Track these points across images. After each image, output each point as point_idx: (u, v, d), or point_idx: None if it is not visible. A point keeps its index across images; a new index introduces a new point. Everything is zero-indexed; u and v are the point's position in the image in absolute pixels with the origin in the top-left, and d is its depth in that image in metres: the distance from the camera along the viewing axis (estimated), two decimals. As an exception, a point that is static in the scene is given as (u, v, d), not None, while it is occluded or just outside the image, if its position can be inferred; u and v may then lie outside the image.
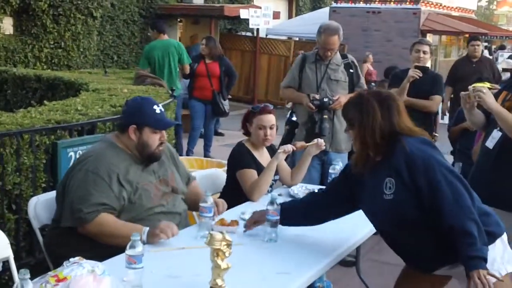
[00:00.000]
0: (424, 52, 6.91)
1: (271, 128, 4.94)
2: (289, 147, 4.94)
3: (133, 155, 3.92)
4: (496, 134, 4.21)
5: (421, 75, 6.55)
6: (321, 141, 5.08)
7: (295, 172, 5.17)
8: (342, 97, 6.05)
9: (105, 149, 3.92)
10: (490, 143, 4.26)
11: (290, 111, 7.94)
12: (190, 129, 10.49)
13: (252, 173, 4.79)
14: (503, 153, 4.20)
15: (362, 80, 6.38)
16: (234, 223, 3.95)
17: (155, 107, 3.95)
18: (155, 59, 10.06)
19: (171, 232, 3.62)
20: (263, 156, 5.03)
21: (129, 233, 3.26)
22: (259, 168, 4.85)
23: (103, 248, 3.60)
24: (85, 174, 3.73)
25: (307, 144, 5.11)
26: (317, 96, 6.05)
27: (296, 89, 6.31)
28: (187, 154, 9.96)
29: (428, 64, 7.31)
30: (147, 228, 3.64)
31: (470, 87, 4.29)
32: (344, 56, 6.35)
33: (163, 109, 4.03)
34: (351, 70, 6.24)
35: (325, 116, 6.02)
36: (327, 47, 6.09)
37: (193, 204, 4.24)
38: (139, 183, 3.86)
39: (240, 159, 4.90)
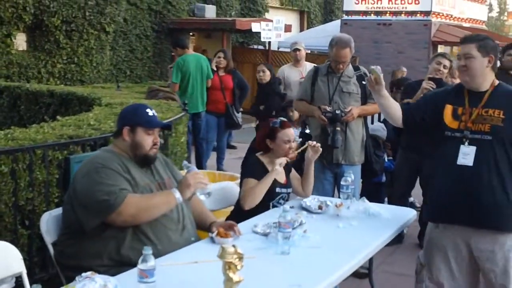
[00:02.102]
0: (445, 67, 6.93)
1: (293, 141, 4.99)
2: (283, 160, 4.93)
3: (130, 157, 3.95)
4: (468, 150, 4.00)
5: (434, 87, 6.53)
6: (312, 142, 5.08)
7: (303, 182, 5.18)
8: (355, 109, 6.04)
9: (103, 153, 4.02)
10: (466, 160, 4.00)
11: (303, 123, 7.94)
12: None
13: (254, 183, 4.80)
14: (488, 166, 3.97)
15: (374, 92, 6.33)
16: (228, 234, 3.98)
17: (148, 110, 4.04)
18: (190, 72, 9.99)
19: (202, 179, 3.91)
20: (278, 174, 5.01)
21: (163, 199, 3.77)
22: (274, 184, 4.87)
23: (111, 257, 3.67)
24: (95, 172, 3.75)
25: (299, 150, 5.09)
26: (328, 108, 6.03)
27: (309, 102, 6.28)
28: (201, 167, 9.95)
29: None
30: (176, 190, 3.83)
31: (372, 67, 4.25)
32: (356, 68, 6.31)
33: (156, 114, 4.10)
34: (363, 82, 6.20)
35: (338, 128, 5.99)
36: (338, 60, 6.08)
37: (201, 223, 4.25)
38: (140, 183, 3.88)
39: (249, 168, 4.92)
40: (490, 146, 3.96)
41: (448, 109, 4.13)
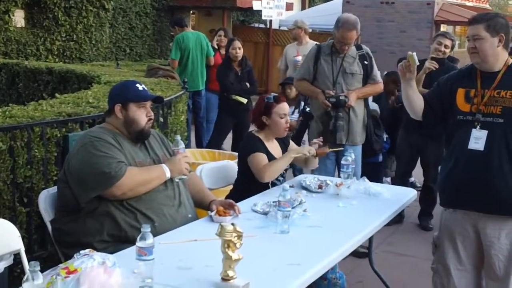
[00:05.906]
0: (446, 46, 6.91)
1: (288, 115, 4.99)
2: (312, 151, 4.92)
3: (123, 134, 3.94)
4: (479, 134, 3.88)
5: (437, 66, 6.50)
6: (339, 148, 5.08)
7: (308, 161, 5.13)
8: (353, 94, 6.00)
9: (96, 128, 4.04)
10: (478, 145, 3.88)
11: (304, 102, 7.89)
12: (205, 121, 10.44)
13: (263, 156, 4.76)
14: (499, 150, 3.85)
15: (375, 72, 6.27)
16: (227, 213, 3.98)
17: (137, 85, 4.04)
18: (190, 50, 10.00)
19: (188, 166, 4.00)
20: (274, 148, 4.99)
21: (156, 174, 3.79)
22: (271, 159, 4.81)
23: (108, 235, 3.69)
24: (90, 145, 3.75)
25: (327, 151, 5.07)
26: (332, 93, 5.97)
27: (311, 81, 6.21)
28: (201, 146, 9.92)
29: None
30: (166, 167, 3.89)
31: (410, 53, 4.01)
32: (358, 47, 6.24)
33: (146, 88, 4.09)
34: (365, 62, 6.14)
35: (340, 114, 5.96)
36: (344, 42, 5.99)
37: (200, 201, 4.25)
38: (134, 159, 3.88)
39: (251, 145, 4.86)
40: (501, 130, 3.84)
41: (461, 92, 4.01)
